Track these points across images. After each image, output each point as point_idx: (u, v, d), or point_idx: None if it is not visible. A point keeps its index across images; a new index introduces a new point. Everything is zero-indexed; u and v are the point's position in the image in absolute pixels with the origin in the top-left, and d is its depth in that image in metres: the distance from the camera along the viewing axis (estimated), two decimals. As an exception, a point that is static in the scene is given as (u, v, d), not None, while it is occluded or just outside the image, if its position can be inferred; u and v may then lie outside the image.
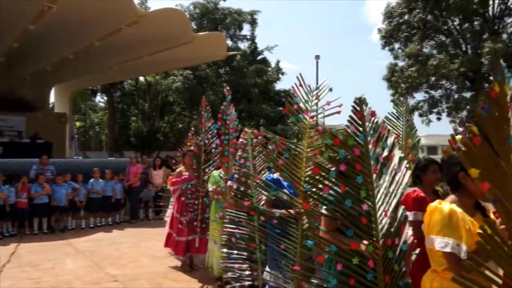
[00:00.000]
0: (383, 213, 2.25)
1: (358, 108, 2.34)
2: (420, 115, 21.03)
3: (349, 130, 2.29)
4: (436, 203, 1.99)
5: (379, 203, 2.26)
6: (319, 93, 3.17)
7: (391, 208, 2.24)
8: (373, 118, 2.38)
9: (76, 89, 22.30)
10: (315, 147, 3.14)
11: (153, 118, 29.16)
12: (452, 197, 2.03)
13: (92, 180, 9.29)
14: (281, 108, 28.13)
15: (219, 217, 4.40)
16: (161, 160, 11.32)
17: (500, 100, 1.62)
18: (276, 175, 3.43)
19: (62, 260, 6.37)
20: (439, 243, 1.86)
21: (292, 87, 3.22)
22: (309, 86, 3.20)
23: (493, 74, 1.62)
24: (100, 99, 36.67)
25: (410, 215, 3.37)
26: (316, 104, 3.17)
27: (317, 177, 2.32)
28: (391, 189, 2.28)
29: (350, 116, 2.34)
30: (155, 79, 27.69)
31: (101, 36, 12.67)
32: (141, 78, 29.41)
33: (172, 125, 30.84)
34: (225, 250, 3.92)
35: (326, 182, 2.28)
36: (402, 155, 2.43)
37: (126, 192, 10.06)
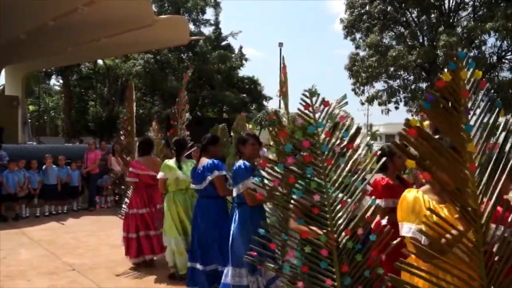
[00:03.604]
0: (340, 203, 2.23)
1: (307, 101, 2.29)
2: (380, 104, 21.56)
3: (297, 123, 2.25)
4: (405, 191, 2.03)
5: (335, 194, 2.24)
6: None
7: (350, 198, 2.22)
8: (326, 108, 2.31)
9: (29, 71, 21.09)
10: None
11: (112, 103, 28.23)
12: (426, 185, 2.04)
13: (44, 167, 8.93)
14: (244, 94, 27.98)
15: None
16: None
17: (454, 87, 1.63)
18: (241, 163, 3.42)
19: (16, 250, 6.11)
20: (405, 228, 1.91)
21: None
22: None
23: (446, 63, 1.64)
24: (55, 82, 35.11)
25: (381, 203, 3.35)
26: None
27: (266, 169, 2.30)
28: (351, 179, 2.24)
29: (298, 109, 2.27)
30: (114, 63, 26.73)
31: (55, 15, 12.01)
32: (100, 61, 28.31)
33: (132, 111, 29.99)
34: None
35: (275, 175, 2.26)
36: (371, 142, 2.38)
37: (84, 179, 9.78)
